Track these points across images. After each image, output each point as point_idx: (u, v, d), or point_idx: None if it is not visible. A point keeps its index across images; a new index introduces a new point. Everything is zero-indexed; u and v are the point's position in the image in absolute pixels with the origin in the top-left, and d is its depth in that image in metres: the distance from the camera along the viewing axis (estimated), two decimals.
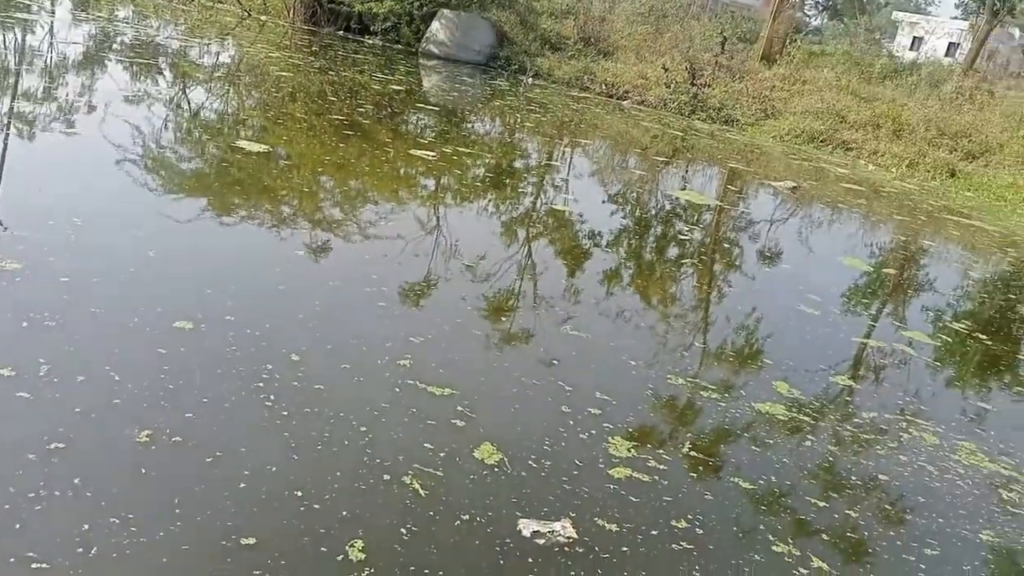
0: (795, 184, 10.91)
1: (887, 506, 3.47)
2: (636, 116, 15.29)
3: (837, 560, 2.94)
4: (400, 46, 17.75)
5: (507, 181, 8.51)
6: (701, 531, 2.90)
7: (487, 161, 9.25)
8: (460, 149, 9.32)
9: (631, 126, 14.26)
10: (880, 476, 3.70)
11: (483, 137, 11.06)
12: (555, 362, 4.17)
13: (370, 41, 17.78)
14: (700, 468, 3.38)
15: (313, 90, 11.11)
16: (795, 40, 20.05)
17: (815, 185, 11.65)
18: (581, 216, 7.67)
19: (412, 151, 8.48)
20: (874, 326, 6.11)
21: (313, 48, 15.30)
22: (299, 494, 2.67)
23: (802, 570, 2.83)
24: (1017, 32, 42.44)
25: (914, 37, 42.41)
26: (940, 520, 3.42)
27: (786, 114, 15.65)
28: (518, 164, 9.67)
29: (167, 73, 10.71)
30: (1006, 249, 9.99)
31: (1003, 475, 3.98)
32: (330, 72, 12.96)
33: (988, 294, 7.98)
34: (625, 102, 16.54)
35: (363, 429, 3.12)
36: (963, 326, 6.53)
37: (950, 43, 39.42)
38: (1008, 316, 7.29)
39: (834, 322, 5.85)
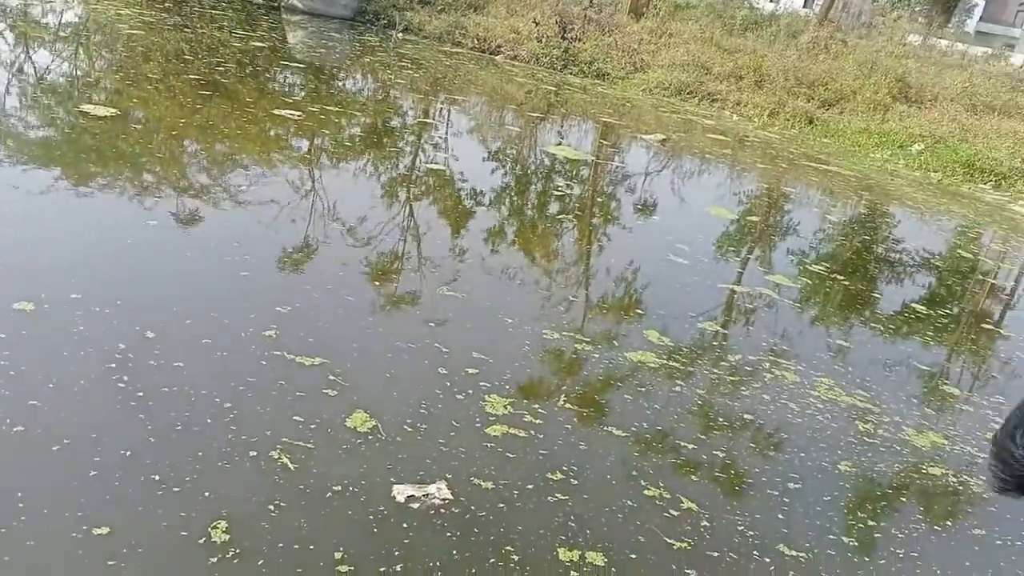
0: (664, 137, 11.16)
1: (752, 444, 3.62)
2: (510, 71, 15.20)
3: (705, 499, 3.06)
4: (261, 1, 16.91)
5: (384, 140, 8.31)
6: (576, 481, 2.95)
7: (361, 120, 8.99)
8: (329, 108, 9.00)
9: (505, 81, 14.18)
10: (746, 416, 3.87)
11: (354, 95, 10.73)
12: (431, 324, 4.11)
13: None
14: (575, 420, 3.43)
15: (168, 49, 10.45)
16: None
17: (684, 137, 11.95)
18: (461, 174, 7.59)
19: (278, 111, 8.12)
20: (740, 272, 6.35)
21: (166, 4, 14.36)
22: (156, 478, 2.53)
23: (672, 511, 2.92)
24: None
25: None
26: (802, 454, 3.61)
27: (654, 67, 15.93)
28: (394, 122, 9.44)
29: (6, 35, 9.81)
30: (861, 193, 10.57)
31: (859, 407, 4.24)
32: (186, 29, 12.21)
33: (845, 236, 8.44)
34: (498, 57, 16.41)
35: (227, 406, 2.98)
36: (823, 268, 6.89)
37: None
38: (864, 257, 7.74)
39: (702, 270, 6.04)
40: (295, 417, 2.96)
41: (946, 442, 4.07)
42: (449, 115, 10.71)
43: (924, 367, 5.12)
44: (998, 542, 3.26)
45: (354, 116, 9.11)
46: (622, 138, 11.35)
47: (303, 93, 9.77)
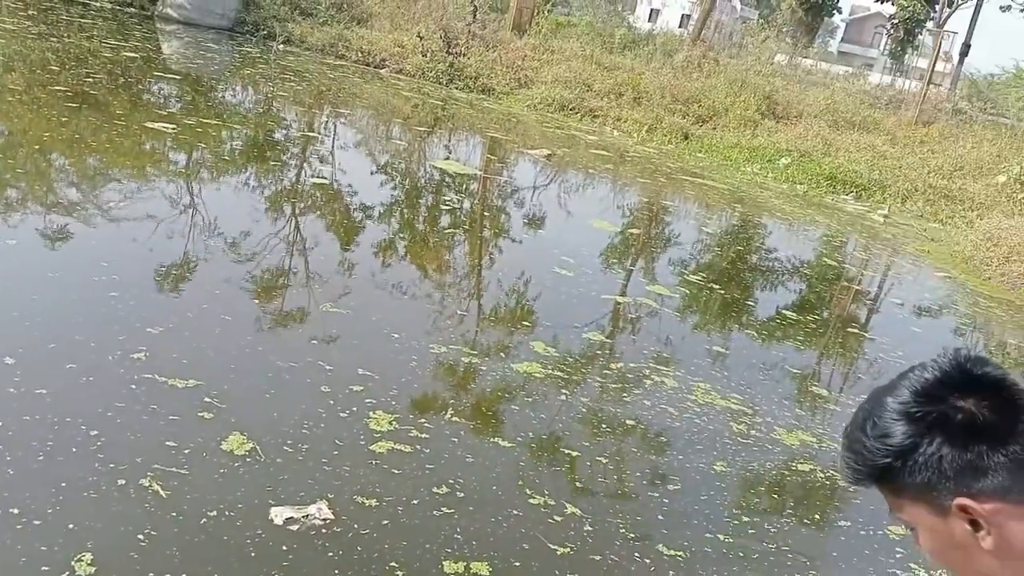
0: (550, 152, 11.37)
1: (634, 449, 3.73)
2: (395, 85, 15.16)
3: (588, 504, 3.12)
4: (133, 9, 16.21)
5: (267, 154, 8.11)
6: (462, 494, 2.96)
7: (242, 133, 8.75)
8: (208, 121, 8.73)
9: (391, 95, 14.12)
10: (628, 421, 3.97)
11: (235, 108, 10.44)
12: (314, 341, 4.04)
13: (98, 4, 16.08)
14: (462, 433, 3.44)
15: (33, 59, 9.88)
16: (544, 11, 20.78)
17: (568, 152, 12.20)
18: (349, 188, 7.50)
19: (152, 124, 7.81)
20: (623, 283, 6.53)
21: (29, 12, 13.57)
22: (15, 511, 2.38)
23: (556, 517, 2.97)
24: (739, 4, 47.01)
25: (651, 8, 45.83)
26: (680, 456, 3.74)
27: (538, 83, 16.24)
28: (277, 135, 9.24)
29: None
30: (734, 205, 11.07)
31: (734, 410, 4.43)
32: (52, 38, 11.58)
33: (721, 247, 8.82)
34: (383, 70, 16.33)
35: (93, 433, 2.83)
36: (701, 278, 7.17)
37: (683, 15, 42.99)
38: (738, 266, 8.11)
39: (587, 282, 6.17)
40: (167, 442, 2.85)
41: (815, 440, 4.30)
42: (335, 128, 10.57)
43: (795, 370, 5.39)
44: (861, 532, 3.47)
45: (235, 129, 8.86)
46: (509, 153, 11.49)
47: (179, 105, 9.43)
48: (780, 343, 5.96)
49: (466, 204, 8.20)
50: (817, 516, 3.56)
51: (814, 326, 6.62)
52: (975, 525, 1.13)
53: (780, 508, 3.52)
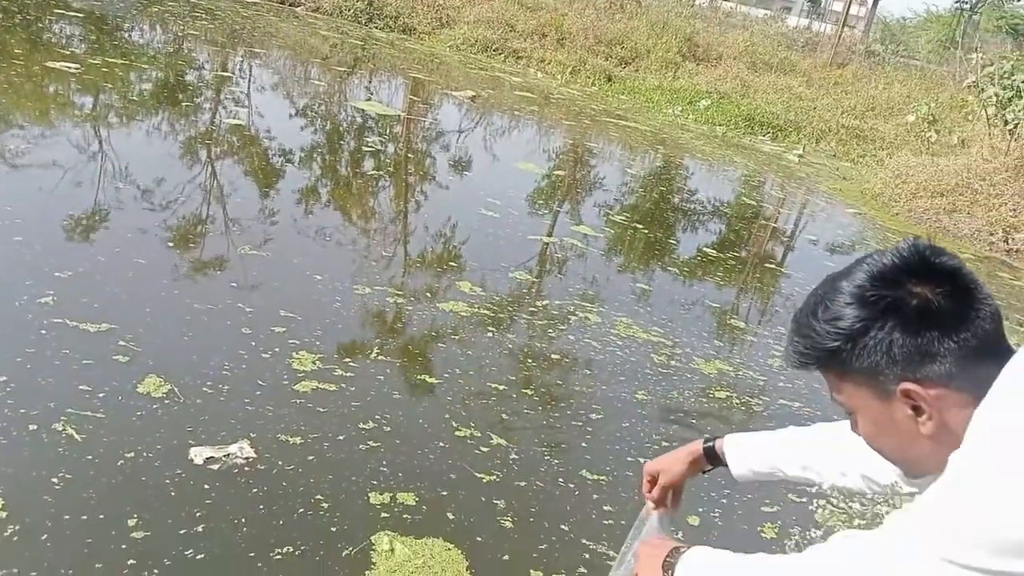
0: (474, 94, 11.23)
1: (558, 381, 3.80)
2: (312, 24, 14.66)
3: (514, 435, 3.18)
4: None
5: (179, 96, 7.76)
6: (388, 429, 2.97)
7: (152, 75, 8.35)
8: (114, 61, 8.29)
9: (309, 34, 13.66)
10: (553, 356, 4.04)
11: (143, 47, 9.94)
12: (234, 285, 3.95)
13: None
14: (388, 371, 3.44)
15: None
16: None
17: (492, 94, 12.08)
18: (267, 132, 7.27)
19: (54, 64, 7.38)
20: (549, 224, 6.56)
21: None
22: None
23: (483, 448, 3.02)
24: None
25: None
26: (603, 387, 3.83)
27: (460, 23, 15.94)
28: (189, 77, 8.84)
29: None
30: (657, 146, 11.19)
31: (654, 342, 4.54)
32: None
33: (645, 188, 8.92)
34: (299, 8, 15.76)
35: (2, 379, 2.73)
36: (625, 218, 7.26)
37: None
38: (662, 207, 8.23)
39: (513, 223, 6.18)
40: (81, 387, 2.76)
41: (732, 369, 4.46)
42: (250, 69, 10.19)
43: (715, 305, 5.55)
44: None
45: (143, 70, 8.44)
46: (432, 94, 11.30)
47: (83, 45, 8.92)
48: (701, 280, 6.11)
49: (390, 147, 8.06)
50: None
51: (733, 263, 6.80)
52: (917, 410, 1.17)
53: (699, 433, 3.64)
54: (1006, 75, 11.21)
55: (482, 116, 10.52)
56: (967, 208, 9.68)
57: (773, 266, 7.11)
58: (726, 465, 1.75)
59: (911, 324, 1.14)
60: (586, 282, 5.34)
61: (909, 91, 16.18)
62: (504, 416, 3.33)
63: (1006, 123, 11.22)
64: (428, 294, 4.42)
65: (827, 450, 1.66)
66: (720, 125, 13.49)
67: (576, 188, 8.36)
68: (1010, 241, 9.16)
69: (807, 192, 10.67)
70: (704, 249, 6.92)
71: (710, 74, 15.59)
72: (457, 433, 3.07)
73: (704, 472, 1.79)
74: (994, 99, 11.26)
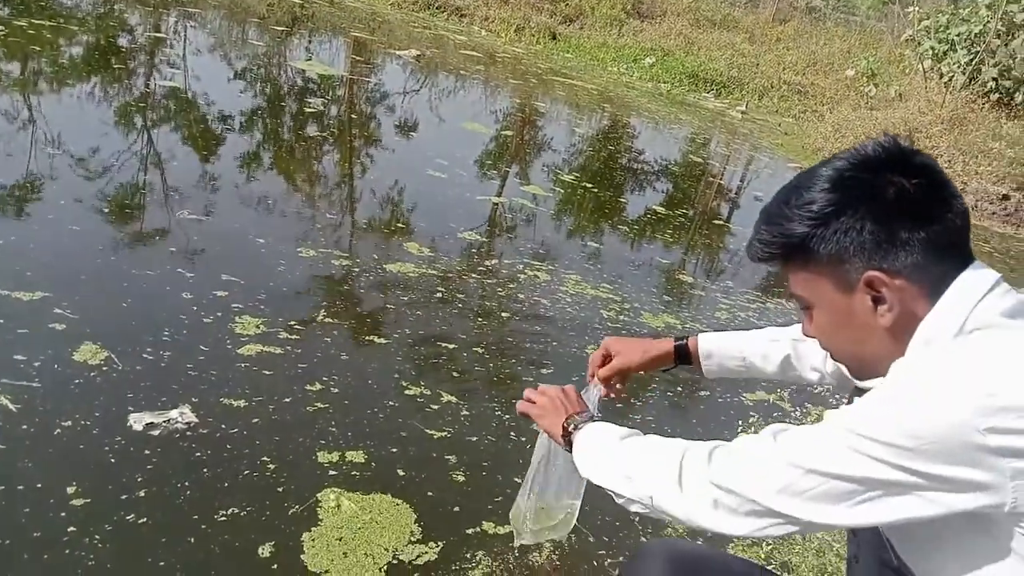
0: (419, 53, 11.06)
1: (508, 339, 3.80)
2: None
3: (465, 392, 3.17)
4: None
5: (112, 60, 7.46)
6: (336, 390, 2.94)
7: (81, 38, 8.01)
8: (40, 23, 7.92)
9: None
10: (503, 313, 4.03)
11: (71, 9, 9.52)
12: (173, 250, 3.84)
13: None
14: (335, 333, 3.40)
15: None
16: None
17: (437, 53, 11.90)
18: (205, 96, 7.04)
19: None
20: (497, 185, 6.53)
21: None
22: None
23: (433, 406, 3.01)
24: None
25: None
26: (554, 343, 3.84)
27: None
28: (122, 40, 8.50)
29: None
30: (603, 105, 11.18)
31: (603, 298, 4.57)
32: None
33: (593, 148, 8.92)
34: None
35: None
36: (574, 178, 7.25)
37: None
38: (610, 166, 8.24)
39: (461, 184, 6.13)
40: (15, 356, 2.67)
41: (678, 322, 4.52)
42: (185, 31, 9.85)
43: (664, 261, 5.60)
44: (720, 400, 3.70)
45: (73, 33, 8.10)
46: (375, 54, 11.08)
47: (6, 7, 8.50)
48: (650, 238, 6.16)
49: (333, 109, 7.90)
50: (680, 388, 3.76)
51: (682, 220, 6.86)
52: (877, 302, 1.18)
53: (646, 384, 3.69)
54: (941, 29, 11.44)
55: (427, 76, 10.37)
56: None
57: (720, 223, 7.20)
58: (690, 363, 1.82)
59: (885, 211, 1.16)
60: (536, 242, 5.33)
61: (849, 47, 16.41)
62: (455, 374, 3.32)
63: (941, 76, 11.47)
64: (375, 256, 4.37)
65: (786, 343, 1.73)
66: (665, 83, 13.52)
67: (524, 148, 8.31)
68: None
69: (751, 148, 10.78)
70: (653, 208, 6.97)
71: (654, 31, 15.59)
72: (407, 392, 3.06)
73: (665, 370, 1.85)
74: (930, 53, 11.49)
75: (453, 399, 3.09)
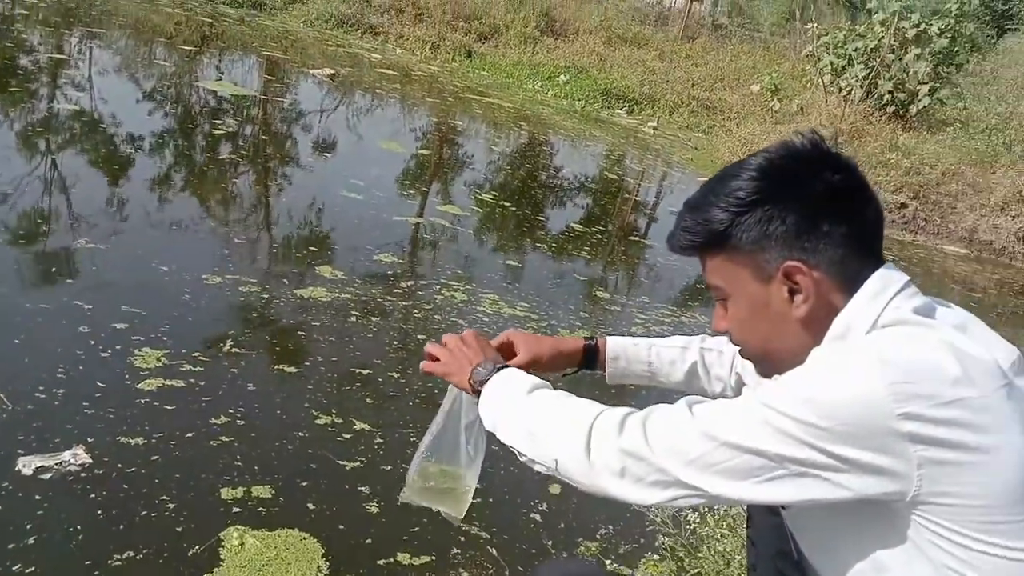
0: (334, 71, 10.94)
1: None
2: (155, 1, 13.83)
3: (379, 419, 3.13)
4: None
5: (10, 81, 7.13)
6: (243, 422, 2.85)
7: None
8: None
9: (151, 12, 12.88)
10: (419, 336, 4.00)
11: None
12: (70, 281, 3.68)
13: None
14: (243, 363, 3.30)
15: None
16: None
17: (352, 71, 11.80)
18: (112, 117, 6.80)
19: None
20: (415, 205, 6.49)
21: None
22: None
23: (346, 435, 2.95)
24: None
25: None
26: None
27: None
28: (22, 60, 8.14)
29: None
30: (520, 123, 11.27)
31: (521, 317, 4.58)
32: None
33: (510, 166, 8.97)
34: None
35: None
36: (492, 197, 7.27)
37: None
38: (528, 184, 8.29)
39: (377, 205, 6.07)
40: None
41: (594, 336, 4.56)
42: (90, 51, 9.50)
43: (581, 278, 5.65)
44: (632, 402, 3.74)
45: None
46: (289, 73, 10.92)
47: None
48: (568, 255, 6.21)
49: (246, 129, 7.73)
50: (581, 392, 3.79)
51: (599, 237, 6.95)
52: (793, 294, 1.20)
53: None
54: (839, 44, 11.96)
55: (343, 95, 10.27)
56: None
57: (636, 238, 7.32)
58: (594, 367, 1.76)
59: (809, 202, 1.18)
60: (453, 262, 5.32)
61: (754, 62, 17.00)
62: (368, 400, 3.27)
63: (840, 90, 11.98)
64: (286, 281, 4.28)
65: (694, 351, 1.74)
66: (579, 100, 13.73)
67: (442, 167, 8.30)
68: None
69: (664, 164, 11.03)
70: (571, 225, 7.04)
71: (568, 49, 15.83)
72: (318, 421, 3.00)
73: (565, 373, 1.76)
74: (829, 68, 12.00)
75: (367, 427, 3.04)
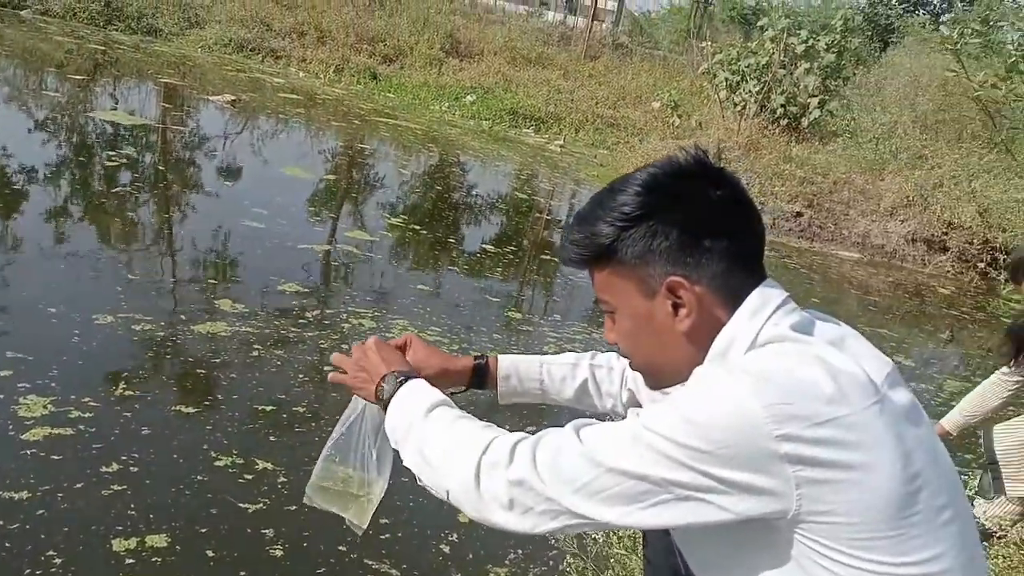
0: (235, 97, 10.71)
1: (332, 394, 3.69)
2: (43, 28, 13.29)
3: (283, 457, 3.05)
4: None
5: None
6: (136, 469, 2.74)
7: None
8: None
9: (40, 40, 12.36)
10: (325, 368, 3.92)
11: None
12: None
13: None
14: (136, 406, 3.17)
15: None
16: None
17: (255, 97, 11.58)
18: (4, 150, 6.47)
19: None
20: (321, 232, 6.38)
21: None
22: None
23: (247, 476, 2.87)
24: None
25: None
26: None
27: (211, 23, 15.16)
28: None
29: None
30: (428, 144, 11.25)
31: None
32: None
33: (420, 188, 8.93)
34: (24, 12, 14.22)
35: None
36: (401, 220, 7.21)
37: None
38: (439, 206, 8.26)
39: (281, 233, 5.94)
40: None
41: None
42: None
43: (494, 299, 5.64)
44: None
45: None
46: (188, 100, 10.63)
47: None
48: (480, 276, 6.21)
49: (142, 160, 7.47)
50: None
51: (511, 257, 6.97)
52: (677, 308, 1.22)
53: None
54: (733, 61, 12.41)
55: (245, 121, 10.05)
56: None
57: (549, 256, 7.38)
58: (484, 387, 1.73)
59: (693, 218, 1.20)
60: (362, 289, 5.24)
61: (654, 80, 17.50)
62: (272, 438, 3.18)
63: (736, 105, 12.43)
64: (183, 317, 4.14)
65: (585, 368, 1.75)
66: (486, 120, 13.82)
67: (349, 192, 8.21)
68: None
69: (572, 181, 11.20)
70: (482, 246, 7.05)
71: (474, 70, 15.95)
72: (217, 463, 2.90)
73: (451, 393, 1.67)
74: (725, 83, 12.43)
75: (270, 466, 2.96)
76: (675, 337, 1.23)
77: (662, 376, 1.33)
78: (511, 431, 1.28)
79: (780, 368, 1.09)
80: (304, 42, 15.25)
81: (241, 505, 2.68)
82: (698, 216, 1.19)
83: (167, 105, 9.95)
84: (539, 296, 6.21)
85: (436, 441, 1.29)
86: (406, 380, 1.43)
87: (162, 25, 14.76)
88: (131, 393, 3.26)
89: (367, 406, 1.55)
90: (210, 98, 10.63)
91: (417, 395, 1.39)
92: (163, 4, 15.17)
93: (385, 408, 1.42)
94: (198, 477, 2.78)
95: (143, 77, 11.54)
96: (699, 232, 1.19)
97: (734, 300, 1.21)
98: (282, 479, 2.90)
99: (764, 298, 1.21)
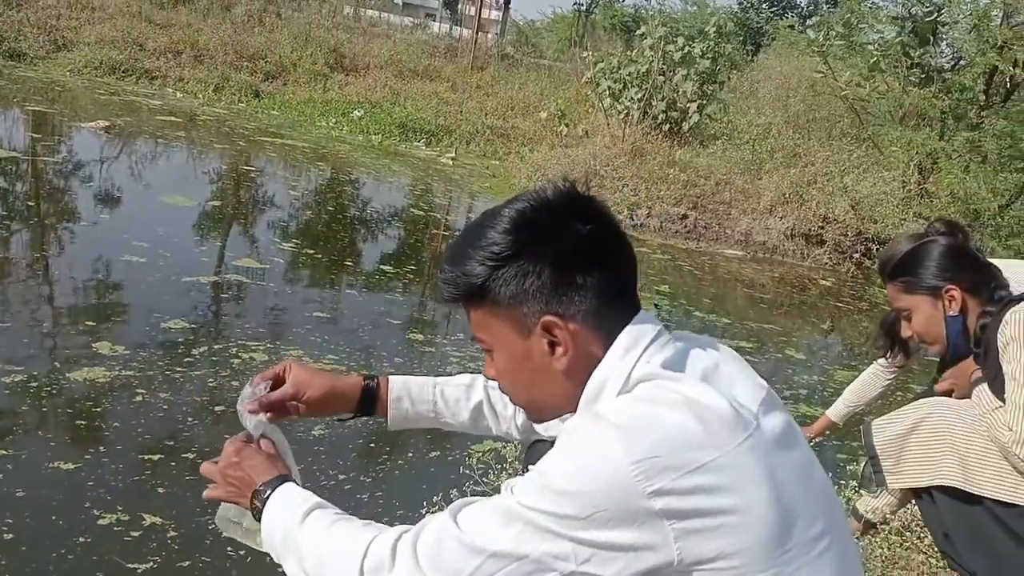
0: (109, 123, 10.23)
1: (225, 435, 3.52)
2: None
3: (173, 510, 2.92)
4: None
5: None
6: (11, 535, 2.57)
7: None
8: None
9: None
10: (215, 408, 3.80)
11: None
12: None
13: None
14: (8, 466, 2.98)
15: None
16: None
17: (131, 121, 11.09)
18: None
19: None
20: (206, 262, 6.15)
21: None
22: None
23: (134, 532, 2.73)
24: None
25: None
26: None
27: (80, 45, 14.44)
28: None
29: None
30: (317, 163, 11.04)
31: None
32: None
33: (312, 209, 8.75)
34: None
35: None
36: (293, 245, 7.03)
37: None
38: (332, 227, 8.11)
39: (164, 266, 5.70)
40: None
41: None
42: None
43: (394, 322, 5.54)
44: (449, 458, 3.75)
45: None
46: (60, 128, 10.09)
47: None
48: (378, 299, 6.11)
49: (9, 194, 7.04)
50: (410, 454, 3.76)
51: (411, 276, 6.90)
52: (553, 347, 1.21)
53: (376, 456, 3.66)
54: (615, 70, 12.72)
55: (121, 147, 9.61)
56: (596, 192, 10.83)
57: None
58: (372, 413, 1.67)
59: (562, 255, 1.19)
60: (253, 320, 5.09)
61: (541, 89, 17.74)
62: (160, 489, 3.05)
63: (619, 112, 12.75)
64: (56, 364, 3.91)
65: (479, 389, 1.74)
66: (376, 134, 13.69)
67: (236, 217, 7.96)
68: (634, 217, 10.47)
69: (466, 194, 11.22)
70: (379, 267, 6.96)
71: (360, 84, 15.77)
72: (101, 521, 2.75)
73: (340, 419, 1.66)
74: (608, 92, 12.73)
75: (158, 520, 2.83)
76: (553, 375, 1.24)
77: (544, 412, 1.35)
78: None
79: (647, 416, 1.10)
80: (180, 61, 14.71)
81: (129, 565, 2.56)
82: (568, 252, 1.19)
83: (36, 135, 9.41)
84: (440, 316, 6.17)
85: (313, 553, 1.25)
86: (275, 490, 1.37)
87: (26, 48, 13.94)
88: (3, 452, 3.06)
89: (268, 428, 1.51)
90: (83, 124, 10.13)
91: (289, 501, 1.34)
92: (25, 26, 14.35)
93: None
94: (80, 539, 2.63)
95: (8, 104, 10.88)
96: (570, 268, 1.19)
97: (608, 336, 1.22)
98: (172, 533, 2.78)
99: (636, 335, 1.22)
